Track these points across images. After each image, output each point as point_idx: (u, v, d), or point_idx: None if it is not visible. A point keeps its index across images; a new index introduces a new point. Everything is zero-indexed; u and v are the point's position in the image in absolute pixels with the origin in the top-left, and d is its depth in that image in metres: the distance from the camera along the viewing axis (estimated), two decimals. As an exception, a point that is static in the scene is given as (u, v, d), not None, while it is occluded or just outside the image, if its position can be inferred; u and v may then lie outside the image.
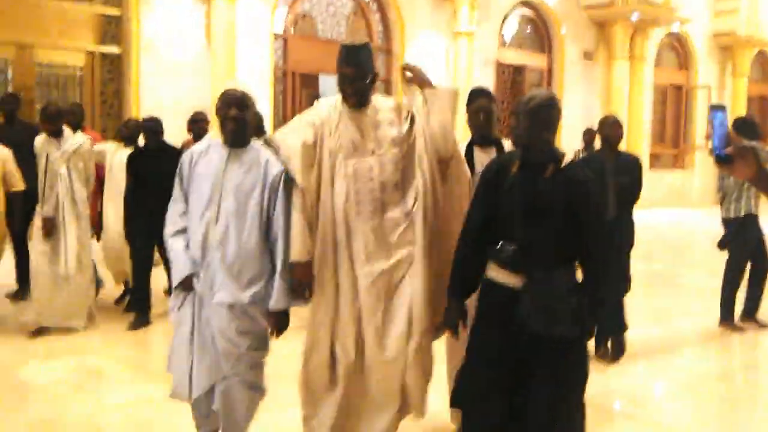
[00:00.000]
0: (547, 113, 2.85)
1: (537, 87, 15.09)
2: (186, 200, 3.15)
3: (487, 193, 2.95)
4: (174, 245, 3.12)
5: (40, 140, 5.65)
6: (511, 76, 14.99)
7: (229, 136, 3.09)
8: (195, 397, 3.15)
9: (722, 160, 1.88)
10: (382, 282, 3.13)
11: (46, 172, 5.52)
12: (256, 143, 3.20)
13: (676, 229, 13.30)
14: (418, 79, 3.19)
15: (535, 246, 2.80)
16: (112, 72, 10.12)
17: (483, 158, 3.61)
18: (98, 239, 6.60)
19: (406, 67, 3.29)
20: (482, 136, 3.73)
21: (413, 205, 3.16)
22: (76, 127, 6.36)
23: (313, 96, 12.32)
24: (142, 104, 9.83)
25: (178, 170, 3.17)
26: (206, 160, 3.12)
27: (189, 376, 3.10)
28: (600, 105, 16.10)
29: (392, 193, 3.13)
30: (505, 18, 14.60)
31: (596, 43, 16.15)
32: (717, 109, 1.94)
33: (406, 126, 3.23)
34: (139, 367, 5.01)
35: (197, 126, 6.76)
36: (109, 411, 4.12)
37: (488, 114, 3.73)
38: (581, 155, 8.74)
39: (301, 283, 3.13)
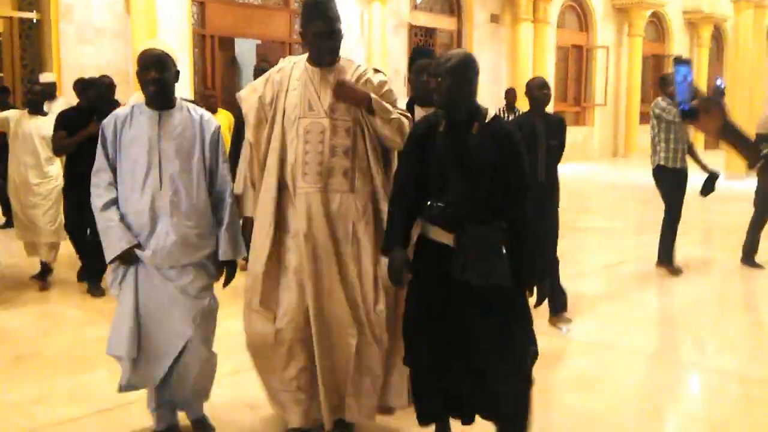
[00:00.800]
0: (465, 72, 2.88)
1: (447, 48, 15.87)
2: (113, 169, 3.03)
3: (415, 151, 2.97)
4: (107, 217, 2.98)
5: None
6: (423, 38, 15.44)
7: (153, 99, 3.00)
8: (144, 385, 3.12)
9: (687, 115, 1.84)
10: (321, 248, 3.06)
11: None
12: (182, 102, 3.12)
13: (579, 181, 14.38)
14: (352, 100, 3.06)
15: (465, 201, 2.83)
16: (31, 38, 10.11)
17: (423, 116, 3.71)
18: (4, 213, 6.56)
19: (340, 84, 3.10)
20: (424, 96, 3.69)
21: (359, 179, 3.11)
22: None
23: (230, 58, 12.65)
24: (63, 69, 9.84)
25: (100, 139, 3.04)
26: (135, 126, 3.01)
27: (136, 343, 3.00)
28: (506, 65, 16.77)
29: (341, 159, 3.06)
30: None
31: (502, 7, 16.77)
32: (680, 63, 1.88)
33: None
34: (101, 312, 5.06)
35: (209, 101, 7.29)
36: (87, 343, 4.43)
37: (431, 75, 3.71)
38: (504, 114, 9.07)
39: (249, 237, 3.17)
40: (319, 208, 3.02)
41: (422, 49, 3.93)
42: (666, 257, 6.71)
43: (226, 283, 3.16)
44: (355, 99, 3.04)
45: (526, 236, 2.89)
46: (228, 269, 3.13)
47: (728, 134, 1.92)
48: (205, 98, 7.69)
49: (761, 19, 13.97)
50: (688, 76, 1.87)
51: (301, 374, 3.14)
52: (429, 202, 2.84)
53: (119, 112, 3.07)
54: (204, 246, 3.03)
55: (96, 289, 5.67)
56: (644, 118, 19.85)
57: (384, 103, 3.11)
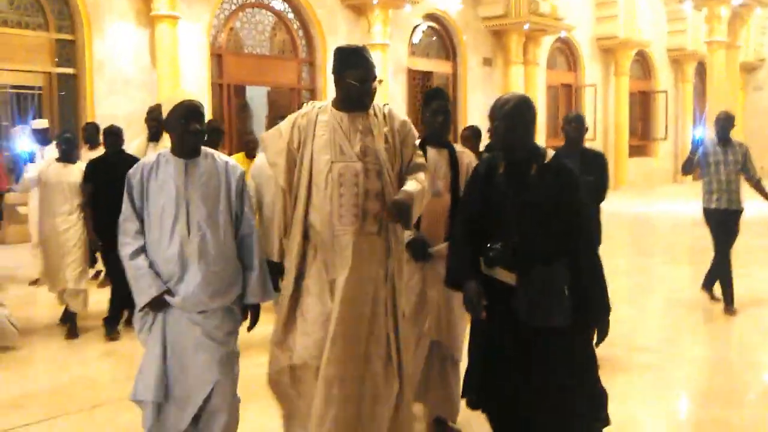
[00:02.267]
0: (522, 115, 2.86)
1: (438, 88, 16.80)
2: (139, 218, 3.04)
3: (478, 191, 2.98)
4: (136, 265, 2.99)
5: None
6: (421, 81, 16.32)
7: (191, 149, 3.03)
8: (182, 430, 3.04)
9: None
10: (359, 291, 3.05)
11: None
12: (206, 150, 3.13)
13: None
14: (403, 223, 3.05)
15: (526, 242, 2.79)
16: (68, 91, 10.98)
17: (435, 157, 3.72)
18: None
19: (393, 206, 3.04)
20: (438, 136, 3.76)
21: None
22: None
23: (242, 104, 13.58)
24: (97, 118, 10.34)
25: (126, 188, 3.05)
26: (161, 174, 3.03)
27: (160, 384, 2.99)
28: None
29: (374, 202, 3.06)
30: (413, 30, 15.92)
31: (494, 51, 17.67)
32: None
33: (396, 148, 3.18)
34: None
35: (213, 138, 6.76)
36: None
37: (447, 115, 3.77)
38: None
39: (276, 280, 3.16)
40: (357, 249, 3.02)
41: (437, 91, 3.96)
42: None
43: (251, 327, 3.19)
44: (406, 219, 3.01)
45: (589, 276, 2.81)
46: (253, 312, 3.16)
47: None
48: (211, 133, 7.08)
49: (734, 58, 15.13)
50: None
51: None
52: (489, 245, 2.83)
53: (145, 161, 3.10)
54: (231, 291, 3.04)
55: (115, 332, 5.84)
56: (633, 151, 21.04)
57: (416, 195, 3.07)
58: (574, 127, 4.99)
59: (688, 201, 15.95)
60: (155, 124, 6.55)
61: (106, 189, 5.53)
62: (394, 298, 3.15)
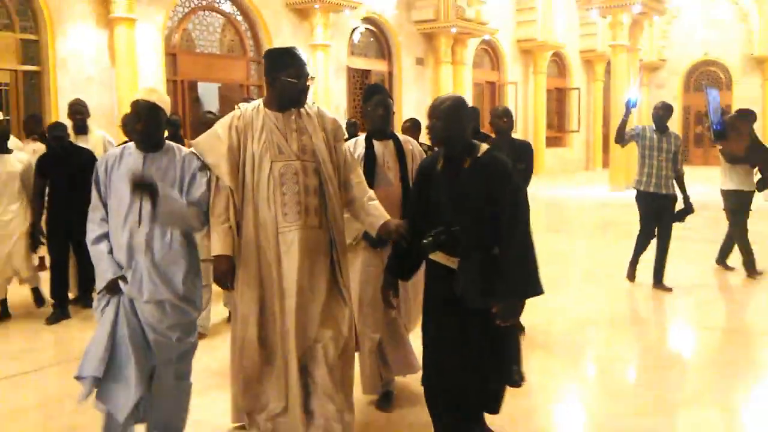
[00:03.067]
0: (457, 112, 2.88)
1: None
2: (105, 206, 2.99)
3: (420, 187, 3.04)
4: (97, 250, 2.96)
5: None
6: (360, 79, 16.55)
7: (141, 145, 3.00)
8: (126, 413, 2.90)
9: (718, 134, 1.67)
10: (306, 280, 3.00)
11: None
12: (170, 144, 3.07)
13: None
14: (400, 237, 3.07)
15: (464, 231, 2.82)
16: (33, 87, 10.92)
17: (382, 150, 3.67)
18: None
19: (387, 232, 3.12)
20: (380, 130, 3.70)
21: (326, 215, 3.07)
22: None
23: (195, 98, 13.65)
24: (60, 112, 10.43)
25: (94, 177, 3.02)
26: (123, 166, 2.97)
27: (103, 365, 2.89)
28: (430, 101, 17.88)
29: (314, 197, 3.01)
30: (352, 32, 16.11)
31: (425, 51, 17.93)
32: (711, 87, 1.67)
33: (333, 147, 3.14)
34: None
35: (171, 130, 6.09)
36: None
37: (386, 108, 3.69)
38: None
39: (223, 274, 2.99)
40: (302, 243, 2.96)
41: (376, 86, 3.92)
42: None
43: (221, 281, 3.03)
44: (401, 233, 3.05)
45: (519, 258, 2.82)
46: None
47: (754, 153, 1.87)
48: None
49: (634, 59, 16.12)
50: (716, 97, 1.63)
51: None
52: (434, 232, 2.85)
53: (112, 152, 3.07)
54: (175, 283, 2.95)
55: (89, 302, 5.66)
56: (549, 142, 21.92)
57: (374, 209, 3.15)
58: (504, 121, 5.14)
59: (595, 186, 17.09)
60: (80, 117, 6.52)
61: (61, 181, 5.64)
62: (339, 281, 3.12)
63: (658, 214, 6.31)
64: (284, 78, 2.98)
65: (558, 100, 22.71)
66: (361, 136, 3.72)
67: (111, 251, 2.96)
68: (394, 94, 17.38)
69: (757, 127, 19.80)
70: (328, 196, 3.07)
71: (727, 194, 6.75)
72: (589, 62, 23.80)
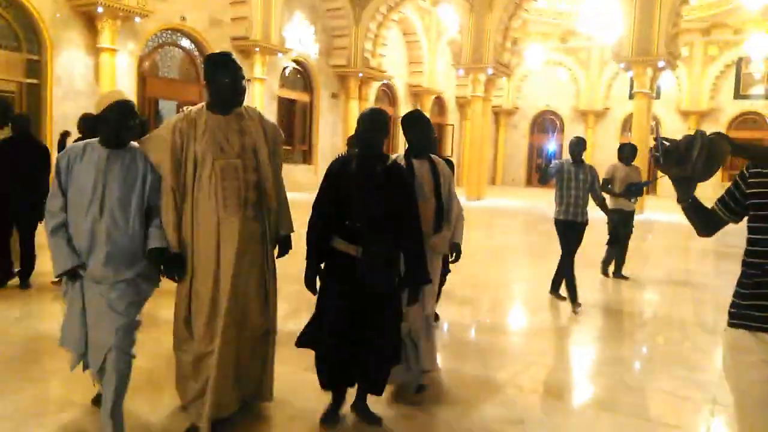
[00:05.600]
0: (378, 121, 2.77)
1: (304, 113, 17.89)
2: (65, 195, 2.67)
3: (331, 184, 2.82)
4: (56, 237, 2.64)
5: None
6: (287, 106, 17.28)
7: (122, 142, 2.69)
8: (93, 367, 2.70)
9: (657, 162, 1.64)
10: (242, 266, 2.77)
11: None
12: (132, 144, 2.76)
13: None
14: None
15: (369, 224, 2.72)
16: (34, 96, 11.42)
17: (419, 167, 3.34)
18: None
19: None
20: (419, 151, 3.36)
21: (262, 208, 2.85)
22: None
23: (157, 111, 14.01)
24: (54, 117, 11.27)
25: (55, 168, 2.72)
26: (86, 161, 2.67)
27: (83, 340, 2.69)
28: (341, 128, 18.49)
29: (253, 192, 2.78)
30: (283, 70, 16.95)
31: (339, 88, 18.72)
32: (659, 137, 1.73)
33: (264, 145, 2.85)
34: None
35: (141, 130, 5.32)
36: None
37: (427, 135, 3.38)
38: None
39: (171, 267, 2.75)
40: (240, 233, 2.74)
41: (418, 116, 3.45)
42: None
43: (169, 273, 2.78)
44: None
45: (418, 249, 2.83)
46: (155, 259, 2.73)
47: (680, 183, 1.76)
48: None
49: (487, 107, 17.91)
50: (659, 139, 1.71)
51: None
52: (346, 223, 2.73)
53: (74, 146, 2.74)
54: (133, 267, 2.69)
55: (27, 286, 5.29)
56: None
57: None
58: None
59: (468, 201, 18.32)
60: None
61: (15, 167, 5.04)
62: (267, 268, 2.89)
63: (575, 238, 5.66)
64: (220, 78, 2.73)
65: (438, 133, 23.65)
66: (401, 155, 3.38)
67: (70, 240, 2.65)
68: (314, 119, 18.20)
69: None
70: (264, 192, 2.85)
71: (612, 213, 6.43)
72: (462, 105, 24.65)
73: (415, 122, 3.38)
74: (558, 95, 26.70)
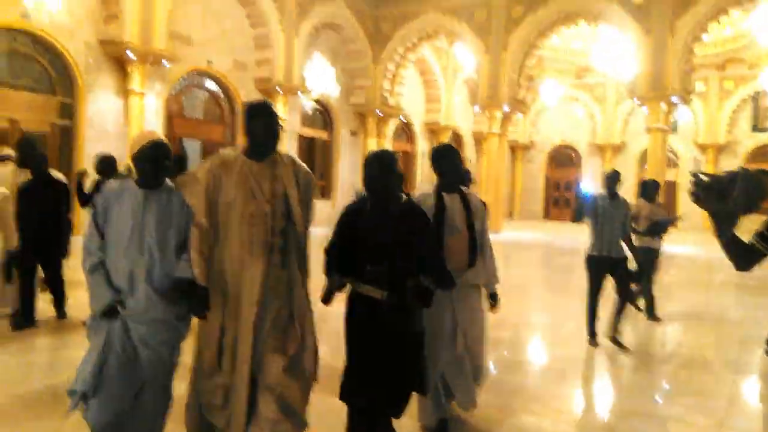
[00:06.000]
0: (387, 166, 2.70)
1: (325, 150, 18.19)
2: (102, 235, 2.69)
3: (346, 229, 2.78)
4: (94, 276, 2.65)
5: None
6: (308, 143, 17.55)
7: (157, 182, 2.71)
8: (99, 420, 2.60)
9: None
10: (264, 312, 2.75)
11: None
12: (167, 183, 2.78)
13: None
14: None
15: (390, 267, 2.66)
16: (66, 137, 11.81)
17: (450, 201, 3.30)
18: None
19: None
20: (450, 185, 3.33)
21: (289, 256, 2.82)
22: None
23: (183, 149, 14.13)
24: (85, 157, 11.46)
25: (92, 209, 2.74)
26: (124, 201, 2.69)
27: (94, 377, 2.61)
28: (360, 164, 17.19)
29: (279, 238, 2.78)
30: (303, 109, 17.27)
31: (358, 126, 18.98)
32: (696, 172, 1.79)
33: (295, 193, 2.83)
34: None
35: (180, 165, 5.72)
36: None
37: (458, 169, 3.37)
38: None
39: (200, 302, 2.72)
40: (263, 279, 2.74)
41: (449, 149, 3.40)
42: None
43: (194, 310, 2.72)
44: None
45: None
46: (186, 292, 2.69)
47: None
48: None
49: (503, 142, 18.02)
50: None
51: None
52: (367, 268, 2.69)
53: (111, 188, 2.76)
54: (171, 306, 2.70)
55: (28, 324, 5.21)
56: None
57: None
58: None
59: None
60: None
61: (39, 208, 5.11)
62: (294, 316, 2.83)
63: (612, 274, 5.41)
64: (255, 127, 2.76)
65: None
66: (430, 190, 3.35)
67: (108, 277, 2.66)
68: (333, 156, 18.41)
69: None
70: (292, 238, 2.83)
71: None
72: (478, 140, 24.50)
73: (445, 155, 3.33)
74: (574, 129, 26.88)
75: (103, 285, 2.65)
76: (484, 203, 3.56)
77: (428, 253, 2.77)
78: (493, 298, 3.50)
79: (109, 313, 2.64)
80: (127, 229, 2.67)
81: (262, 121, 2.77)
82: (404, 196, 2.82)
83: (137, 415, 2.69)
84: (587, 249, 5.48)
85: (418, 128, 22.07)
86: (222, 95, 15.14)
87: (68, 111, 11.87)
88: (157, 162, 2.69)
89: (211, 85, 15.03)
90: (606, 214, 5.39)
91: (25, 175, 5.38)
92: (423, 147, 22.24)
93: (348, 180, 17.99)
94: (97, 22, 11.96)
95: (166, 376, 2.77)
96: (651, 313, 6.70)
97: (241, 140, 3.56)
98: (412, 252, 2.72)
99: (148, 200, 2.71)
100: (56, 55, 11.56)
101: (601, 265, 5.41)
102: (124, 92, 12.44)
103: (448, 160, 3.31)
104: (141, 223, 2.68)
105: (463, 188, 3.40)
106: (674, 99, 15.03)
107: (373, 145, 18.61)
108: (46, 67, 11.52)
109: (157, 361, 2.68)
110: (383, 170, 2.74)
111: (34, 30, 11.05)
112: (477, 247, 3.32)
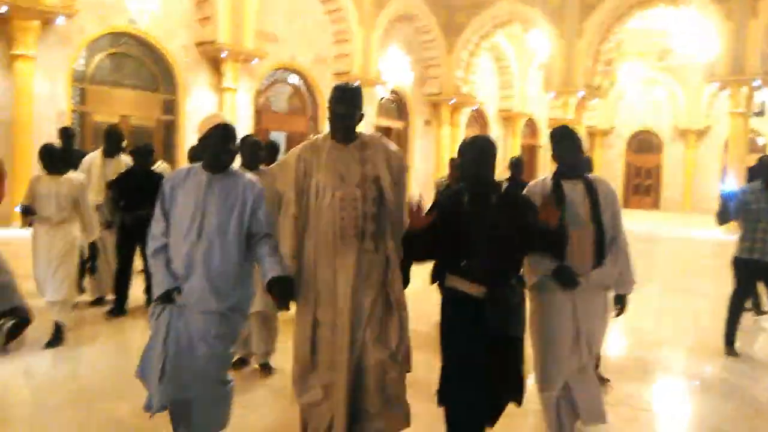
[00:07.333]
0: (487, 153, 2.54)
1: (399, 140, 18.42)
2: (167, 219, 2.64)
3: (444, 221, 2.58)
4: (156, 261, 2.61)
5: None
6: (384, 134, 17.21)
7: (223, 166, 2.64)
8: (166, 402, 2.60)
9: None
10: (359, 299, 2.66)
11: None
12: (233, 168, 2.71)
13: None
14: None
15: (491, 262, 2.51)
16: (169, 131, 12.94)
17: (570, 190, 2.98)
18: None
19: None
20: (570, 170, 2.99)
21: (380, 241, 2.72)
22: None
23: (270, 141, 15.21)
24: (186, 148, 11.60)
25: (159, 193, 2.67)
26: (189, 184, 2.64)
27: (159, 366, 2.56)
28: (434, 153, 18.66)
29: (371, 223, 2.68)
30: (380, 99, 17.76)
31: (431, 115, 18.96)
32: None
33: (388, 178, 2.73)
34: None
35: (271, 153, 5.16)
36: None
37: (576, 151, 3.02)
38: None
39: (284, 295, 2.62)
40: (356, 266, 2.68)
41: (565, 130, 3.06)
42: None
43: (281, 302, 2.66)
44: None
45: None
46: (280, 287, 2.60)
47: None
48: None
49: (579, 128, 18.06)
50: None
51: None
52: (465, 261, 2.53)
53: (179, 171, 2.74)
54: (229, 296, 2.62)
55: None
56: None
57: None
58: (518, 167, 5.40)
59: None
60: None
61: (138, 196, 5.11)
62: (392, 301, 2.74)
63: (758, 279, 4.86)
64: (333, 109, 2.72)
65: (530, 154, 23.65)
66: (548, 176, 3.07)
67: (168, 263, 2.62)
68: (408, 145, 18.67)
69: (677, 183, 20.89)
70: (385, 223, 2.74)
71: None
72: (554, 127, 24.23)
73: (564, 137, 3.01)
74: (655, 114, 26.08)
75: (162, 270, 2.62)
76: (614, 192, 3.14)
77: (546, 236, 2.58)
78: (620, 302, 3.10)
79: (165, 298, 2.60)
80: (189, 213, 2.62)
81: (337, 103, 2.72)
82: (503, 185, 2.69)
83: (197, 406, 2.67)
84: (735, 250, 4.85)
85: (491, 115, 21.93)
86: (305, 89, 15.85)
87: (170, 107, 13.01)
88: (221, 145, 2.62)
89: (294, 79, 15.86)
90: (759, 210, 4.65)
91: (115, 166, 5.65)
92: (497, 134, 22.29)
93: (423, 168, 18.26)
94: (191, 24, 12.98)
95: (220, 371, 2.72)
96: (759, 308, 6.14)
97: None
98: (514, 247, 2.57)
99: (211, 183, 2.65)
100: (158, 56, 12.71)
101: (750, 268, 4.75)
102: (219, 89, 13.48)
103: (569, 142, 2.98)
104: (203, 206, 2.62)
105: (589, 176, 3.03)
106: (756, 83, 14.61)
107: (446, 134, 18.73)
108: (150, 67, 12.69)
109: (211, 356, 2.62)
110: (484, 162, 2.58)
111: (139, 33, 12.19)
112: (605, 244, 2.95)
